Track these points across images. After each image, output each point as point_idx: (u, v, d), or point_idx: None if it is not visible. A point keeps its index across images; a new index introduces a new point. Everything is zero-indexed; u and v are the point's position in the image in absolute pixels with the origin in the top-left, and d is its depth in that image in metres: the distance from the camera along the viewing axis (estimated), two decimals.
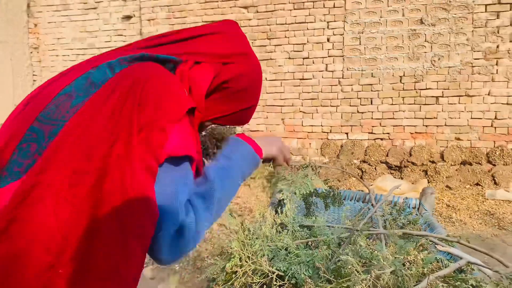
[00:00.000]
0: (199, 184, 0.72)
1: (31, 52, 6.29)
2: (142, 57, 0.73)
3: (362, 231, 1.73)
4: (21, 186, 0.57)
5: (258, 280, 1.46)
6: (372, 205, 2.35)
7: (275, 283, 1.45)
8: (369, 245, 1.57)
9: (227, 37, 0.85)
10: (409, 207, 2.51)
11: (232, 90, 0.84)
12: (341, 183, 4.86)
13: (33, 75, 6.36)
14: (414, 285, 1.38)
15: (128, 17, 5.96)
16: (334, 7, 5.19)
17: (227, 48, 0.84)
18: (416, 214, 2.37)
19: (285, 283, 1.46)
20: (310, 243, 1.77)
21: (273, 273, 1.47)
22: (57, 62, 6.30)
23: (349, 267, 1.39)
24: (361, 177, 4.92)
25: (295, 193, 2.28)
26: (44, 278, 0.54)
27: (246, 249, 1.54)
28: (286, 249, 1.68)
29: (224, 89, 0.84)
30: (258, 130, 5.60)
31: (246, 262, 1.52)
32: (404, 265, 1.51)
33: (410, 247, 1.67)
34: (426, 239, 1.78)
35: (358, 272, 1.34)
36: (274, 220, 1.84)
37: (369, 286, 1.29)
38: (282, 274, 1.49)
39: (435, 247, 1.81)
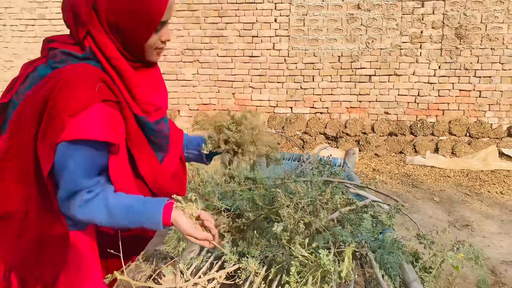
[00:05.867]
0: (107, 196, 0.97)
1: None
2: (68, 57, 0.94)
3: (290, 178, 2.21)
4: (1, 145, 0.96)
5: (211, 213, 1.88)
6: (304, 162, 2.86)
7: (223, 214, 1.88)
8: (296, 187, 2.06)
9: None
10: (335, 165, 3.05)
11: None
12: (285, 150, 5.38)
13: None
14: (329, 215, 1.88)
15: None
16: None
17: None
18: (340, 170, 2.90)
19: (231, 213, 1.89)
20: (252, 189, 2.22)
21: (221, 207, 1.90)
22: (4, 32, 6.21)
23: (279, 199, 1.86)
24: (302, 146, 5.48)
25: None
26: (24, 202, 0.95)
27: (201, 190, 1.95)
28: (233, 193, 2.12)
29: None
30: (210, 104, 5.96)
31: (200, 199, 1.94)
32: (322, 202, 2.00)
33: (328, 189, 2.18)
34: (342, 185, 2.30)
35: (284, 200, 1.81)
36: (224, 173, 2.27)
37: (291, 210, 1.76)
38: (229, 208, 1.92)
39: (349, 190, 2.33)
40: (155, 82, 1.08)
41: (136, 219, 0.98)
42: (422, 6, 5.35)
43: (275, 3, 5.62)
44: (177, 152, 1.25)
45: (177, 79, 5.99)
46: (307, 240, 1.32)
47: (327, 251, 1.28)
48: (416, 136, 5.49)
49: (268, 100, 5.85)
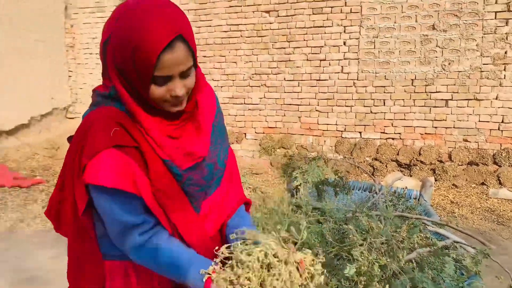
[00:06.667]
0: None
1: (67, 51, 6.80)
2: (102, 98, 0.96)
3: (362, 211, 2.07)
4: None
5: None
6: (376, 193, 2.69)
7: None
8: (369, 222, 1.92)
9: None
10: (410, 197, 2.84)
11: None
12: (353, 177, 5.17)
13: (69, 71, 6.88)
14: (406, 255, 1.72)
15: None
16: (351, 12, 5.50)
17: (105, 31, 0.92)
18: (415, 203, 2.69)
19: (299, 247, 1.80)
20: (320, 221, 2.11)
21: (289, 239, 1.81)
22: (90, 60, 6.79)
23: (350, 236, 1.73)
24: (373, 174, 5.22)
25: (308, 181, 2.64)
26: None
27: (267, 220, 1.89)
28: (299, 224, 2.03)
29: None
30: (276, 127, 5.96)
31: (267, 230, 1.87)
32: (398, 240, 1.85)
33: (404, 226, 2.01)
34: (420, 221, 2.11)
35: (357, 238, 1.69)
36: (290, 201, 2.20)
37: (364, 250, 1.63)
38: (296, 241, 1.83)
39: (426, 227, 2.14)
40: (186, 128, 0.99)
41: (179, 278, 0.94)
42: (506, 25, 4.94)
43: (344, 26, 5.54)
44: (217, 213, 1.13)
45: (244, 103, 6.08)
46: (387, 287, 1.20)
47: None
48: (500, 166, 4.99)
49: (336, 124, 5.70)
